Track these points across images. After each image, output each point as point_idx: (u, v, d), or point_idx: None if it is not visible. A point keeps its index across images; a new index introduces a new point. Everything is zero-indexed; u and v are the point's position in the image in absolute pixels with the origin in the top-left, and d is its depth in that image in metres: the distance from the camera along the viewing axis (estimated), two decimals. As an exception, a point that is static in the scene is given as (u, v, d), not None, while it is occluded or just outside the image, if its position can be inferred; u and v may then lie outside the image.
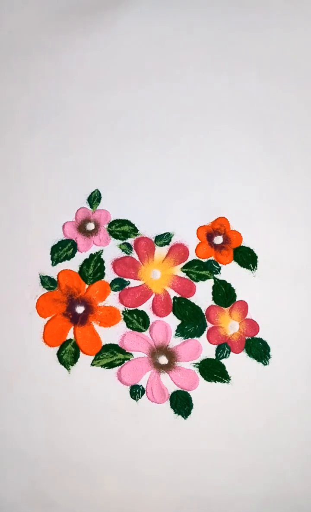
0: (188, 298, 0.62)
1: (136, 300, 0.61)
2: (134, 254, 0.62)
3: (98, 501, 0.59)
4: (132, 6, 0.67)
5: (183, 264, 0.63)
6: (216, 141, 0.66)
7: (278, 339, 0.62)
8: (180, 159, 0.65)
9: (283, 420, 0.61)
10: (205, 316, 0.62)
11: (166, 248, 0.63)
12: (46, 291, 0.61)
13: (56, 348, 0.60)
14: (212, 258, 0.63)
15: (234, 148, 0.66)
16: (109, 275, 0.62)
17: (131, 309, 0.61)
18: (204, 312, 0.62)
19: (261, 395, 0.61)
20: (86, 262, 0.62)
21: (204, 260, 0.63)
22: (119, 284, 0.61)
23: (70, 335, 0.60)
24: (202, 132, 0.66)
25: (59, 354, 0.59)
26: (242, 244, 0.64)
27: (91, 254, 0.62)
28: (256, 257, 0.64)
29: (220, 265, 0.63)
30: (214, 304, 0.62)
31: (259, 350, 0.62)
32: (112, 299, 0.61)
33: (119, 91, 0.66)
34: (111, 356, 0.60)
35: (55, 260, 0.61)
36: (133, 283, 0.62)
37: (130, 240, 0.63)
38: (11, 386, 0.58)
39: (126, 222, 0.63)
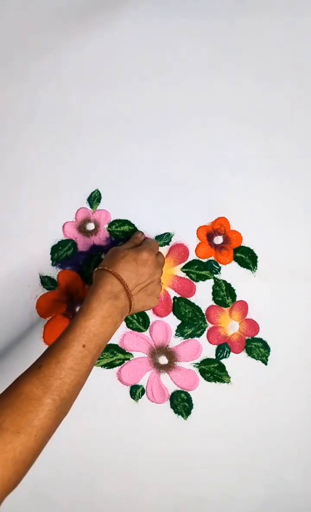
0: (188, 298, 0.62)
1: (136, 300, 0.61)
2: (134, 254, 0.62)
3: (98, 501, 0.59)
4: (132, 6, 0.67)
5: (183, 264, 0.63)
6: (216, 141, 0.66)
7: (278, 339, 0.62)
8: (180, 159, 0.65)
9: (283, 420, 0.61)
10: (205, 316, 0.62)
11: (166, 248, 0.63)
12: (46, 291, 0.61)
13: (56, 348, 0.60)
14: (212, 258, 0.63)
15: (234, 148, 0.66)
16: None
17: (131, 309, 0.61)
18: (204, 312, 0.62)
19: (261, 395, 0.61)
20: (86, 262, 0.62)
21: (204, 260, 0.63)
22: (119, 284, 0.61)
23: (70, 335, 0.60)
24: (202, 132, 0.66)
25: (59, 354, 0.59)
26: (242, 244, 0.64)
27: (91, 254, 0.62)
28: (256, 257, 0.64)
29: (220, 265, 0.63)
30: (214, 304, 0.62)
31: (259, 350, 0.62)
32: (112, 299, 0.61)
33: (119, 90, 0.66)
34: (111, 356, 0.60)
35: (55, 260, 0.61)
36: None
37: (130, 240, 0.62)
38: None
39: (126, 222, 0.63)
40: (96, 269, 0.52)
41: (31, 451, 0.39)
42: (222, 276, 0.63)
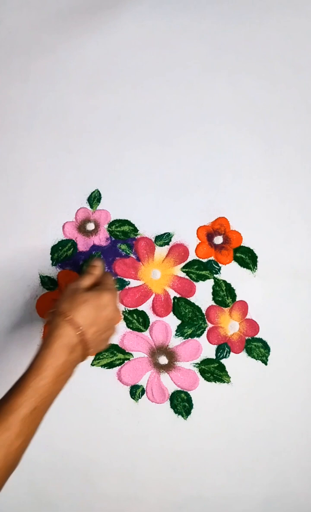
0: (188, 298, 0.62)
1: (136, 300, 0.61)
2: (134, 254, 0.62)
3: (98, 501, 0.59)
4: (132, 6, 0.67)
5: (183, 264, 0.63)
6: (216, 141, 0.66)
7: (278, 339, 0.62)
8: (180, 159, 0.65)
9: (283, 420, 0.61)
10: (205, 316, 0.62)
11: (166, 248, 0.63)
12: (46, 291, 0.61)
13: (56, 348, 0.60)
14: (212, 258, 0.63)
15: (234, 148, 0.66)
16: (109, 275, 0.62)
17: (131, 309, 0.61)
18: (204, 312, 0.62)
19: (261, 395, 0.61)
20: (86, 262, 0.62)
21: (204, 260, 0.63)
22: (119, 284, 0.61)
23: (70, 335, 0.60)
24: (202, 132, 0.66)
25: (59, 354, 0.59)
26: (242, 244, 0.64)
27: (91, 254, 0.62)
28: (256, 257, 0.64)
29: (220, 265, 0.63)
30: (214, 304, 0.62)
31: (259, 350, 0.62)
32: (112, 299, 0.61)
33: (119, 91, 0.66)
34: (111, 356, 0.60)
35: (55, 260, 0.61)
36: (133, 283, 0.62)
37: (130, 240, 0.63)
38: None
39: (126, 222, 0.63)
40: (52, 310, 0.47)
41: None
42: (222, 276, 0.63)
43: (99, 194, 0.63)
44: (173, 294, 0.62)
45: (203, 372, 0.61)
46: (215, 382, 0.61)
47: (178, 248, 0.63)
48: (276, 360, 0.62)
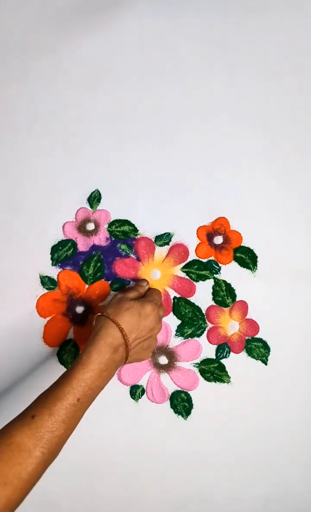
0: (188, 298, 0.62)
1: (136, 300, 0.61)
2: (134, 254, 0.62)
3: (98, 500, 0.59)
4: (132, 5, 0.67)
5: (183, 264, 0.63)
6: (216, 141, 0.66)
7: (278, 339, 0.62)
8: (180, 159, 0.65)
9: (283, 420, 0.61)
10: (205, 316, 0.62)
11: (166, 248, 0.63)
12: (46, 291, 0.61)
13: (56, 348, 0.60)
14: (212, 258, 0.63)
15: (234, 148, 0.66)
16: (109, 275, 0.62)
17: (131, 309, 0.61)
18: (204, 312, 0.62)
19: (261, 395, 0.61)
20: (86, 262, 0.62)
21: (204, 260, 0.63)
22: (119, 284, 0.61)
23: (70, 335, 0.60)
24: (202, 132, 0.66)
25: (59, 354, 0.60)
26: (242, 244, 0.64)
27: (91, 254, 0.62)
28: (256, 257, 0.64)
29: (220, 265, 0.63)
30: (214, 304, 0.62)
31: (259, 350, 0.62)
32: (112, 299, 0.61)
33: (119, 91, 0.66)
34: (111, 356, 0.60)
35: (55, 260, 0.61)
36: (133, 283, 0.62)
37: (130, 240, 0.63)
38: (11, 386, 0.58)
39: (126, 222, 0.63)
40: (99, 314, 0.52)
41: (13, 503, 0.39)
42: (222, 276, 0.63)
43: (99, 194, 0.63)
44: (173, 294, 0.62)
45: (203, 372, 0.61)
46: (215, 382, 0.61)
47: (178, 248, 0.63)
48: (276, 360, 0.62)
